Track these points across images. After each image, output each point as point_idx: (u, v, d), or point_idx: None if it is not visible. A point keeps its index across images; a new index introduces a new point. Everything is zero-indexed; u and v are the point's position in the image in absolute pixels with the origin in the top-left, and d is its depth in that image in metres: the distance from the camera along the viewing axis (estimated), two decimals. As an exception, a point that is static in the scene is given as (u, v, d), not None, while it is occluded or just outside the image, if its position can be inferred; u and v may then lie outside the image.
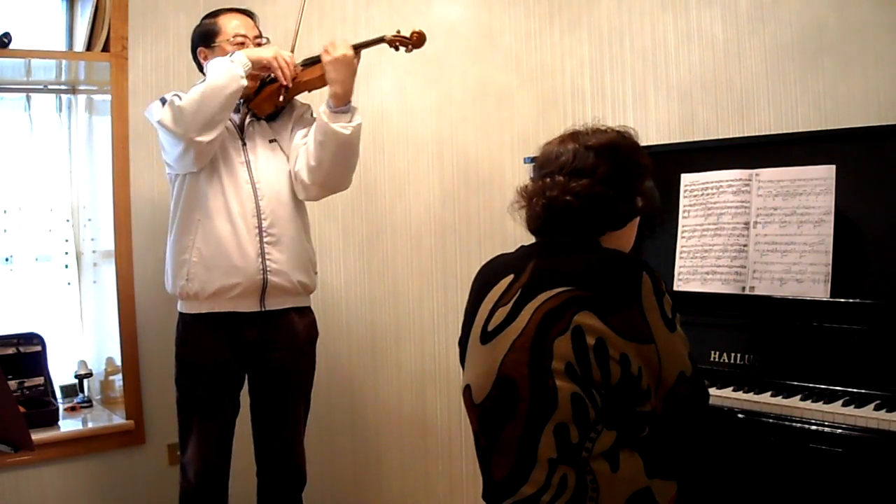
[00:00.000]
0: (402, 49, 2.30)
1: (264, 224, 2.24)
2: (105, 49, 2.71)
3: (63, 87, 3.00)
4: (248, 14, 2.37)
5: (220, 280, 2.21)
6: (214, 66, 2.18)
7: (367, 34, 3.02)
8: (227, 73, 2.15)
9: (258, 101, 2.33)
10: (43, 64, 2.79)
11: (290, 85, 2.24)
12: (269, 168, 2.29)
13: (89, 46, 2.77)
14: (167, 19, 2.78)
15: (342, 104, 2.22)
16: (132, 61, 2.73)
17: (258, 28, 2.37)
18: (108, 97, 2.72)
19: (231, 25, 2.31)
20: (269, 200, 2.26)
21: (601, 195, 1.61)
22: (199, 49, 2.33)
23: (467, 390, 1.66)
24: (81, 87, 2.99)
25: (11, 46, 2.62)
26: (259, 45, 2.33)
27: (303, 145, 2.30)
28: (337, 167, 2.26)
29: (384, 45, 2.30)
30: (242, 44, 2.29)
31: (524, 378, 1.53)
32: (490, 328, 1.61)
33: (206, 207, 2.23)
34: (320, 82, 2.28)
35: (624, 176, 1.64)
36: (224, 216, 2.22)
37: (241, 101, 2.33)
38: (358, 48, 2.26)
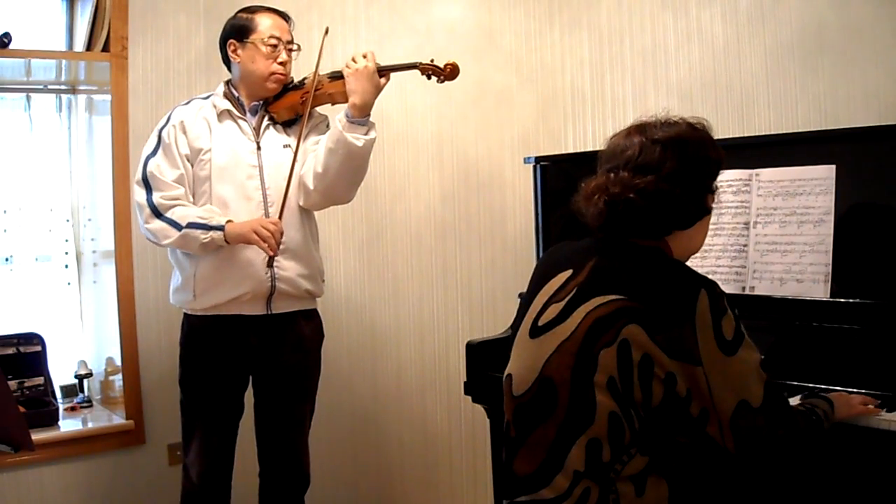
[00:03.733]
0: (434, 79, 2.28)
1: None
2: (105, 49, 2.71)
3: (63, 87, 3.00)
4: (285, 17, 2.32)
5: (230, 292, 2.21)
6: (189, 236, 2.15)
7: (367, 34, 3.05)
8: (199, 246, 2.16)
9: (278, 105, 2.31)
10: (43, 64, 2.78)
11: (275, 254, 2.15)
12: (281, 174, 2.25)
13: (89, 46, 2.77)
14: (167, 19, 2.78)
15: (360, 116, 2.20)
16: (132, 61, 2.72)
17: (291, 34, 2.33)
18: (108, 97, 2.72)
19: (267, 25, 2.26)
20: (278, 208, 2.22)
21: (667, 193, 1.52)
22: (230, 41, 2.28)
23: (508, 380, 1.62)
24: (81, 87, 2.99)
25: (11, 46, 2.61)
26: (290, 51, 2.30)
27: (313, 151, 2.28)
28: (342, 178, 2.24)
29: (416, 72, 2.28)
30: (275, 46, 2.25)
31: (566, 384, 1.48)
32: (541, 323, 1.56)
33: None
34: (343, 97, 2.25)
35: (693, 172, 1.55)
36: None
37: (261, 103, 2.31)
38: (388, 70, 2.25)
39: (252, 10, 2.31)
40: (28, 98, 2.90)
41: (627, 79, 2.94)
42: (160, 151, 2.24)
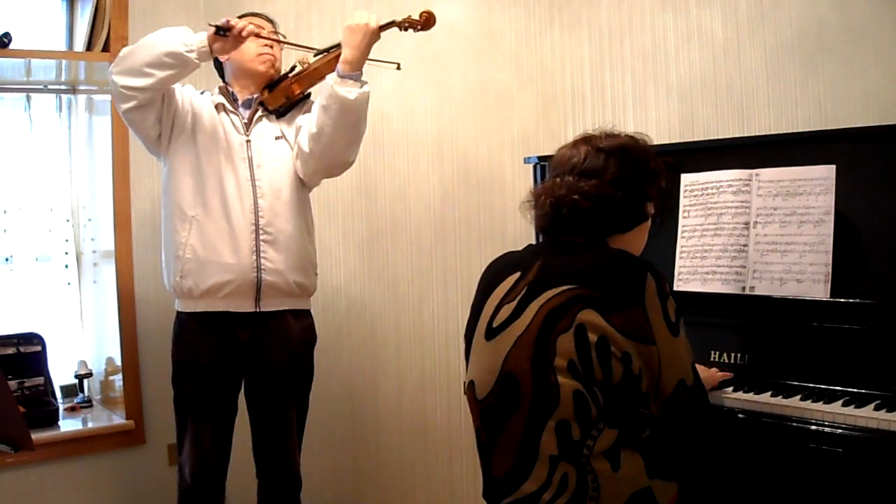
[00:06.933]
0: (410, 30, 2.27)
1: (261, 222, 2.22)
2: (105, 49, 2.71)
3: (63, 87, 3.00)
4: (265, 18, 2.37)
5: (214, 277, 2.20)
6: (169, 32, 2.13)
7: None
8: (177, 38, 2.12)
9: (271, 97, 2.32)
10: (43, 64, 2.79)
11: (241, 35, 2.13)
12: (272, 165, 2.27)
13: (89, 46, 2.77)
14: (167, 19, 2.78)
15: (351, 71, 2.18)
16: (132, 61, 2.72)
17: (277, 32, 2.37)
18: (108, 97, 2.72)
19: (245, 21, 2.24)
20: (268, 198, 2.24)
21: (609, 196, 1.62)
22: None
23: (471, 386, 1.66)
24: (81, 87, 2.99)
25: (11, 46, 2.62)
26: (274, 43, 2.33)
27: (306, 121, 2.30)
28: (338, 135, 2.21)
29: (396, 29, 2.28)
30: (257, 35, 2.25)
31: (527, 374, 1.53)
32: (495, 324, 1.61)
33: (202, 203, 2.22)
34: (330, 67, 2.24)
35: (634, 179, 1.66)
36: (220, 213, 2.21)
37: (254, 97, 2.32)
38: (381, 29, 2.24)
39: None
40: (28, 98, 2.90)
41: (627, 79, 2.94)
42: None
